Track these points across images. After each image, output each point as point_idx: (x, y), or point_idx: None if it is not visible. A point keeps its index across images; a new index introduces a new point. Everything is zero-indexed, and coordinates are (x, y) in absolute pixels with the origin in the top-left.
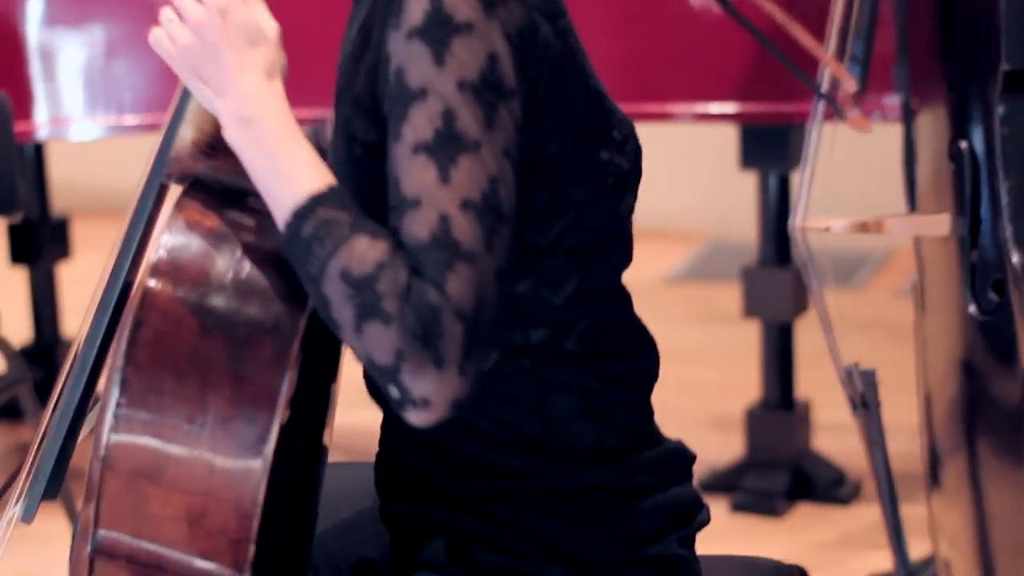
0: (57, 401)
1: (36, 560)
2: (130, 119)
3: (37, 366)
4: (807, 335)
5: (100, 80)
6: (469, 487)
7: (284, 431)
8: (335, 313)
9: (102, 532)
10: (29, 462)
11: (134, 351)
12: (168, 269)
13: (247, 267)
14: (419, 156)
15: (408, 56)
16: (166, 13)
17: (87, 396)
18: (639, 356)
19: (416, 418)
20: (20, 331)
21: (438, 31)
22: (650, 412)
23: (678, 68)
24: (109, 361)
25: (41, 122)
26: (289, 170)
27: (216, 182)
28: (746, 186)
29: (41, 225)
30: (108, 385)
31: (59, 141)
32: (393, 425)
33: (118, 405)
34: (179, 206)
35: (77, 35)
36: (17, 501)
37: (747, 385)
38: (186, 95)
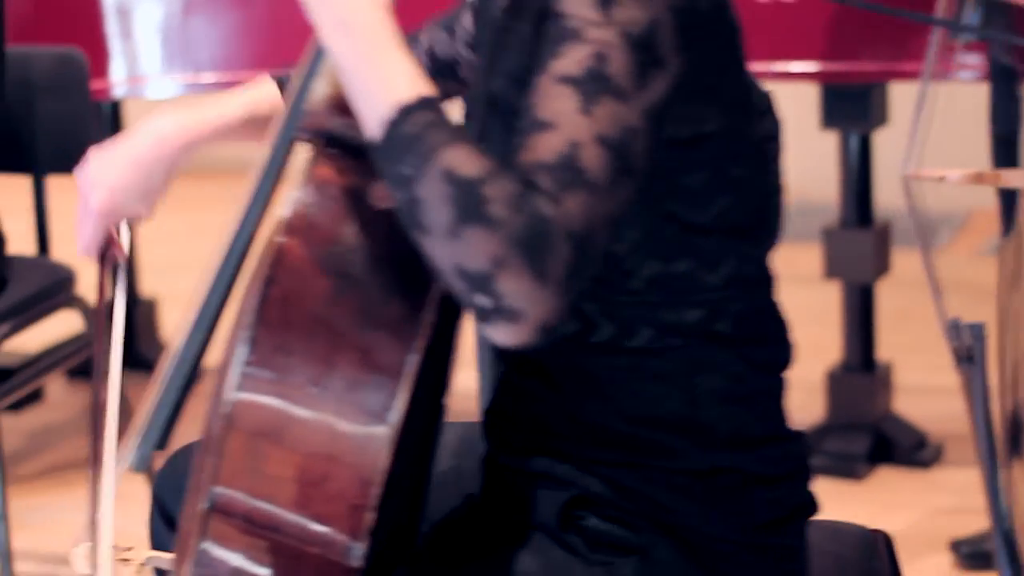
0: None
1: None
2: (207, 77)
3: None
4: (888, 297)
5: (177, 38)
6: (595, 452)
7: (410, 396)
8: (426, 214)
9: (219, 489)
10: (143, 412)
11: (264, 309)
12: (301, 227)
13: (381, 228)
14: (563, 86)
15: (574, 3)
16: None
17: (204, 348)
18: (782, 343)
19: (503, 333)
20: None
21: None
22: (783, 400)
23: (759, 27)
24: (233, 316)
25: (118, 80)
26: (393, 72)
27: (349, 139)
28: (827, 146)
29: None
30: (234, 342)
31: (135, 99)
32: (516, 390)
33: (245, 363)
34: (313, 163)
35: None
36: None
37: (828, 347)
38: (318, 52)
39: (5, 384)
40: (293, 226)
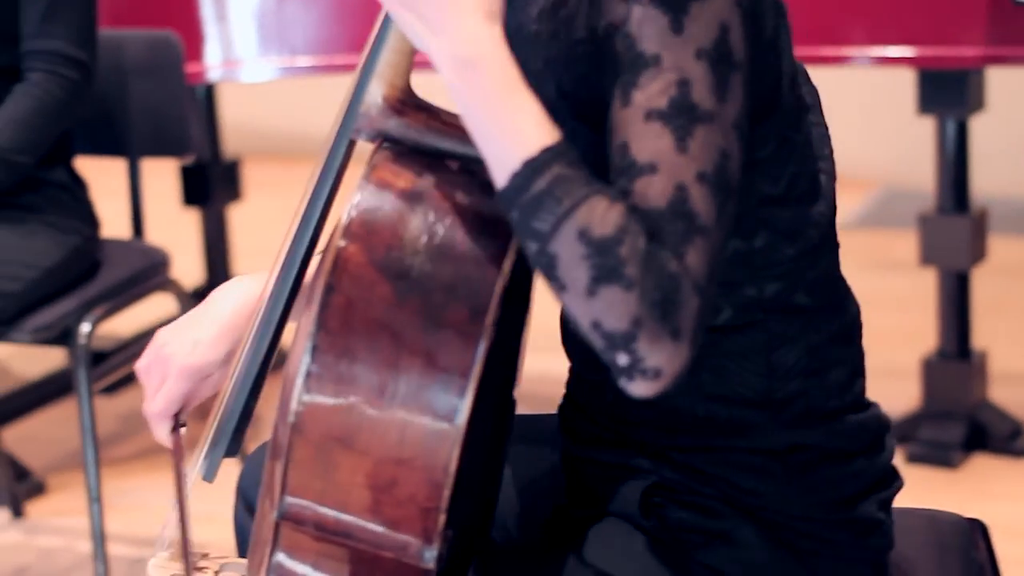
0: (241, 359)
1: (207, 504)
2: (302, 60)
3: None
4: (984, 284)
5: (272, 21)
6: (671, 439)
7: (476, 396)
8: (564, 272)
9: (289, 498)
10: (211, 421)
11: (326, 316)
12: (361, 232)
13: (441, 230)
14: (653, 123)
15: (642, 20)
16: None
17: (271, 354)
18: (850, 307)
19: (642, 388)
20: (192, 273)
21: None
22: (862, 370)
23: (856, 12)
24: (298, 322)
25: (212, 64)
26: (517, 120)
27: (406, 141)
28: (923, 132)
29: (212, 167)
30: (297, 349)
31: (230, 83)
32: (592, 377)
33: (308, 371)
34: (371, 165)
35: None
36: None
37: (923, 334)
38: (376, 48)
39: (99, 367)
40: (352, 231)
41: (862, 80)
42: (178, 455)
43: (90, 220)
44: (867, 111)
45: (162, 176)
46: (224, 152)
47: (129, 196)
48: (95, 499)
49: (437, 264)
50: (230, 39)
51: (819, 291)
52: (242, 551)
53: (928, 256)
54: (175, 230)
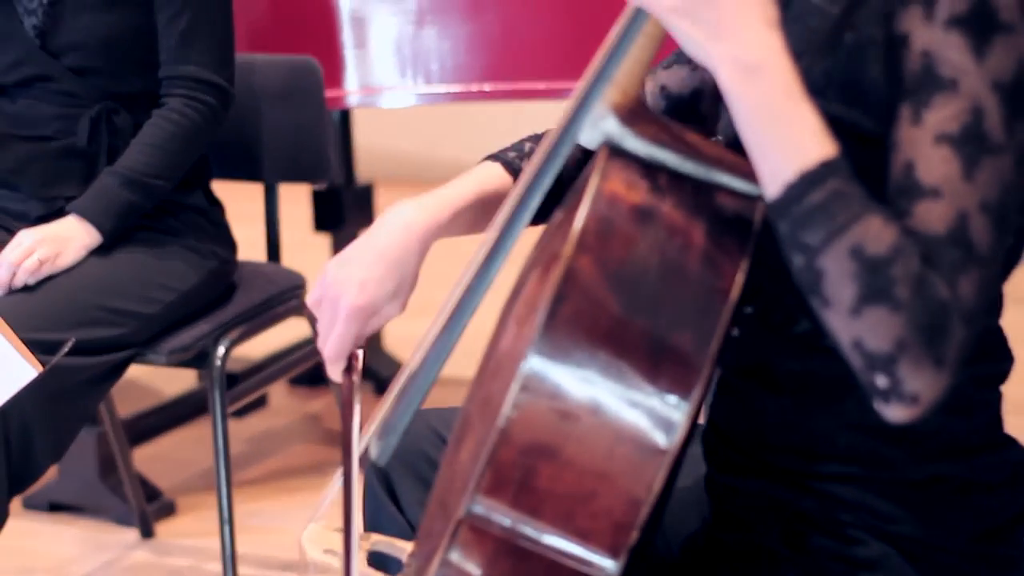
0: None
1: None
2: (440, 87)
3: None
4: None
5: (410, 48)
6: (810, 467)
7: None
8: (830, 288)
9: (481, 498)
10: (389, 402)
11: (551, 324)
12: (593, 244)
13: (672, 249)
14: (942, 147)
15: (943, 44)
16: None
17: (452, 345)
18: (1003, 360)
19: (897, 412)
20: None
21: (982, 24)
22: (1000, 409)
23: None
24: (508, 328)
25: (351, 89)
26: (796, 129)
27: (635, 150)
28: None
29: (345, 192)
30: (513, 354)
31: (366, 109)
32: (734, 397)
33: (527, 377)
34: (602, 175)
35: (388, 2)
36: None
37: None
38: (616, 54)
39: (233, 389)
40: (585, 242)
41: None
42: (348, 398)
43: (227, 243)
44: None
45: (293, 200)
46: (357, 177)
47: (264, 220)
48: (227, 520)
49: (666, 285)
50: (369, 65)
51: (983, 344)
52: (371, 526)
53: None
54: (306, 254)
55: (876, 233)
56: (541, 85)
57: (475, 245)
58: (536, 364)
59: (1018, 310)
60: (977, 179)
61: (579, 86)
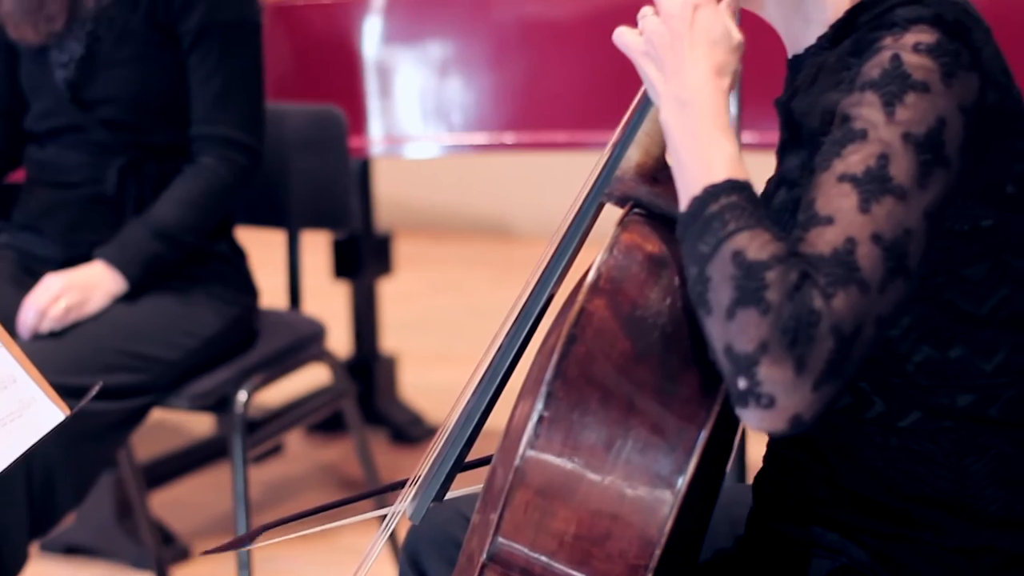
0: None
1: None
2: (463, 138)
3: (355, 380)
4: None
5: (435, 99)
6: (864, 522)
7: (699, 464)
8: (712, 294)
9: (501, 540)
10: (426, 461)
11: (565, 366)
12: (608, 288)
13: (683, 297)
14: (844, 184)
15: (858, 103)
16: (644, 10)
17: (492, 404)
18: None
19: (754, 417)
20: (340, 345)
21: (894, 84)
22: None
23: None
24: (529, 373)
25: (375, 139)
26: (712, 154)
27: (655, 208)
28: None
29: (364, 241)
30: (530, 397)
31: (389, 158)
32: (789, 451)
33: (540, 419)
34: (623, 227)
35: (412, 53)
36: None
37: None
38: (640, 116)
39: (253, 435)
40: (600, 287)
41: None
42: None
43: (250, 290)
44: None
45: (311, 247)
46: (377, 226)
47: (286, 267)
48: (244, 565)
49: (677, 330)
50: (393, 114)
51: (1017, 408)
52: None
53: None
54: (326, 301)
55: (761, 244)
56: (562, 137)
57: (494, 296)
58: (549, 404)
59: None
60: (873, 212)
61: (606, 146)
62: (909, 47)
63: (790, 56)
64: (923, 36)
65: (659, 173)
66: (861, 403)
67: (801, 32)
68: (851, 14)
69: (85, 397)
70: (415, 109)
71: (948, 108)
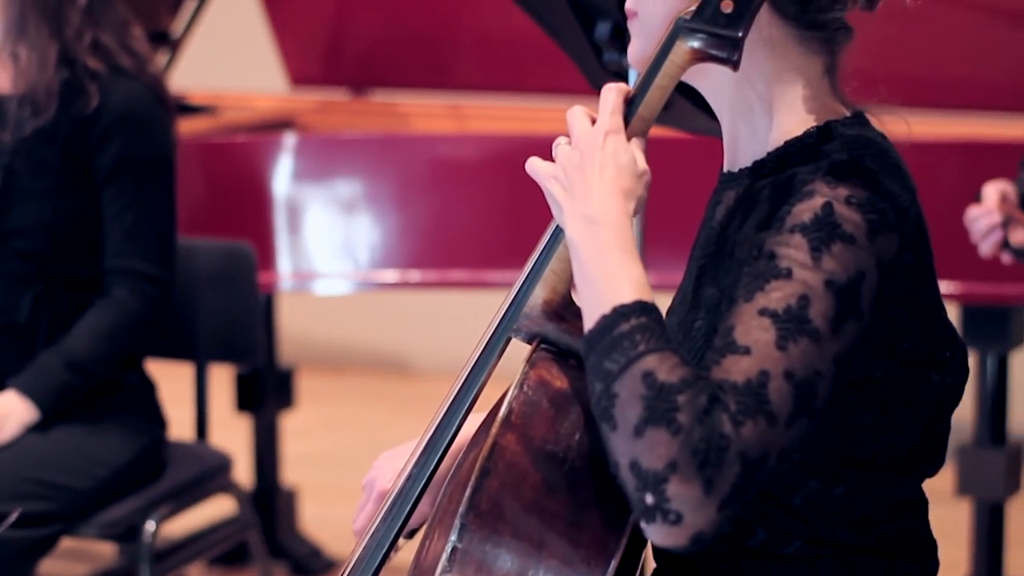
0: (370, 534)
1: None
2: (372, 276)
3: (257, 512)
4: (1018, 516)
5: (343, 236)
6: None
7: None
8: (617, 410)
9: None
10: None
11: (479, 499)
12: (519, 423)
13: (591, 432)
14: (764, 318)
15: (785, 243)
16: (559, 139)
17: (400, 532)
18: (930, 560)
19: (660, 534)
20: (243, 477)
21: (824, 232)
22: None
23: None
24: (438, 506)
25: (284, 274)
26: (620, 274)
27: (562, 344)
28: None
29: (267, 375)
30: (441, 529)
31: (293, 294)
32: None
33: (454, 550)
34: (531, 364)
35: (321, 192)
36: None
37: (956, 564)
38: (546, 254)
39: (157, 566)
40: (512, 422)
41: None
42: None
43: (159, 421)
44: None
45: (218, 380)
46: (279, 360)
47: (193, 399)
48: None
49: (586, 463)
50: (302, 251)
51: (897, 542)
52: None
53: (964, 487)
54: (227, 434)
55: (671, 366)
56: (464, 275)
57: (392, 431)
58: (463, 534)
59: None
60: (789, 351)
61: (509, 286)
62: (842, 199)
63: (725, 170)
64: (856, 191)
65: (565, 311)
66: (743, 532)
67: (744, 142)
68: (789, 147)
69: (3, 524)
70: (323, 246)
71: (868, 262)
